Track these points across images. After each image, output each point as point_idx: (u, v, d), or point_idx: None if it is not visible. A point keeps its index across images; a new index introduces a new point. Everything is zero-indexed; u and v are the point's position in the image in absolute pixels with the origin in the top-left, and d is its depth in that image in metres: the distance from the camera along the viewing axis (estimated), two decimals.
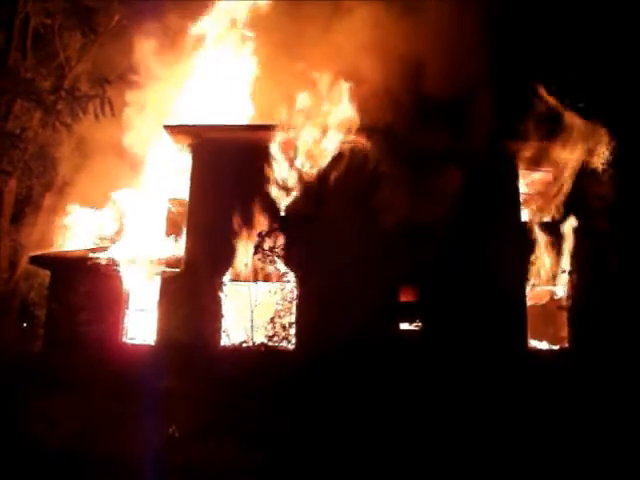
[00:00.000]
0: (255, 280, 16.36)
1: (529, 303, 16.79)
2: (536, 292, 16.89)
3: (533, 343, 16.69)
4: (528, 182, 17.85)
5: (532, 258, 16.54)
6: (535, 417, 13.70)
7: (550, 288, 16.86)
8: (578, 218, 16.57)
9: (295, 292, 16.63)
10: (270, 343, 16.03)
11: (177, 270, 16.83)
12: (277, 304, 16.58)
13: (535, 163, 17.16)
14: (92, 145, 20.70)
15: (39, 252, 19.11)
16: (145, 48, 19.74)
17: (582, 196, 16.65)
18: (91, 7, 20.46)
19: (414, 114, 16.16)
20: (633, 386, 14.69)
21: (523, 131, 16.50)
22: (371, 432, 12.61)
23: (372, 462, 11.51)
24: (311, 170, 17.20)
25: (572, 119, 16.71)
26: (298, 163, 17.15)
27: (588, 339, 16.15)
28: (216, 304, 16.56)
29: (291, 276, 16.66)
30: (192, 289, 16.37)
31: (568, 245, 16.60)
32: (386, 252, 16.21)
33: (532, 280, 16.63)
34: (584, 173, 16.71)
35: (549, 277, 16.62)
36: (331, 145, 16.91)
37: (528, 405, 14.30)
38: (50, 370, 14.43)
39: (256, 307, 16.07)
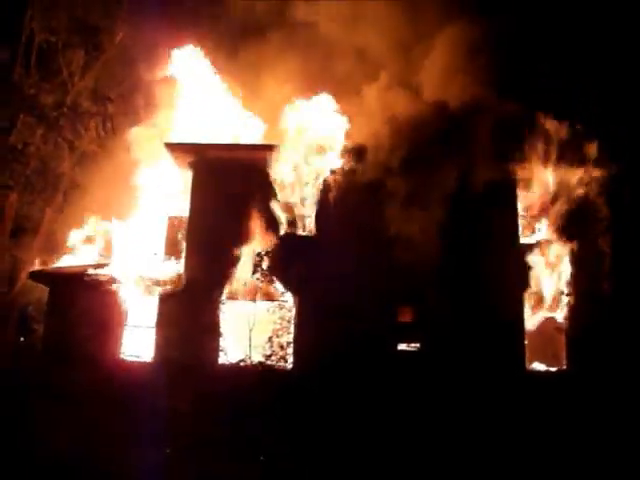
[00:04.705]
0: (254, 299, 16.38)
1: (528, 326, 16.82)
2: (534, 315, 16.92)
3: (532, 365, 16.70)
4: (527, 204, 17.89)
5: (530, 280, 16.59)
6: (533, 438, 13.73)
7: (548, 310, 16.87)
8: (576, 240, 16.63)
9: (293, 311, 16.67)
10: (268, 362, 16.05)
11: (176, 288, 16.84)
12: (275, 323, 16.62)
13: (533, 185, 17.28)
14: (93, 162, 20.80)
15: (38, 267, 19.14)
16: (147, 66, 19.86)
17: (580, 218, 16.73)
18: (95, 25, 20.64)
19: (413, 135, 16.26)
20: (631, 407, 14.73)
21: (521, 152, 16.63)
22: (368, 450, 12.65)
23: (370, 478, 11.57)
24: (311, 190, 17.31)
25: (570, 141, 16.83)
26: (298, 183, 17.25)
27: (586, 361, 16.15)
28: (214, 322, 16.55)
29: (289, 295, 16.70)
30: (191, 307, 16.37)
31: (566, 267, 16.67)
32: (384, 273, 16.26)
33: (530, 302, 16.66)
34: (582, 195, 16.82)
35: (547, 299, 16.65)
36: (331, 166, 17.03)
37: (526, 426, 14.33)
38: (48, 385, 14.44)
39: (254, 326, 16.08)
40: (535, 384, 16.11)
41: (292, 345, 16.40)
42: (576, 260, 16.61)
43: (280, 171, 17.10)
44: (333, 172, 17.07)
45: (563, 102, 17.71)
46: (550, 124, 16.92)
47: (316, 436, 13.19)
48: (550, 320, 16.93)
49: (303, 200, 17.39)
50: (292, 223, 17.37)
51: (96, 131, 19.18)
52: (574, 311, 16.56)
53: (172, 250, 18.37)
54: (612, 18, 20.62)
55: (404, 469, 12.02)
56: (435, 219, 15.77)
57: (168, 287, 16.84)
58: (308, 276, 16.23)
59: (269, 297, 16.61)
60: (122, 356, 17.04)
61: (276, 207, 17.14)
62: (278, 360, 16.14)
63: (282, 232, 17.23)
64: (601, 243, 16.20)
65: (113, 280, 16.92)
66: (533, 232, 17.72)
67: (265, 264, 16.24)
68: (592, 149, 16.62)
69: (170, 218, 19.05)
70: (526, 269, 16.56)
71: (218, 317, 16.67)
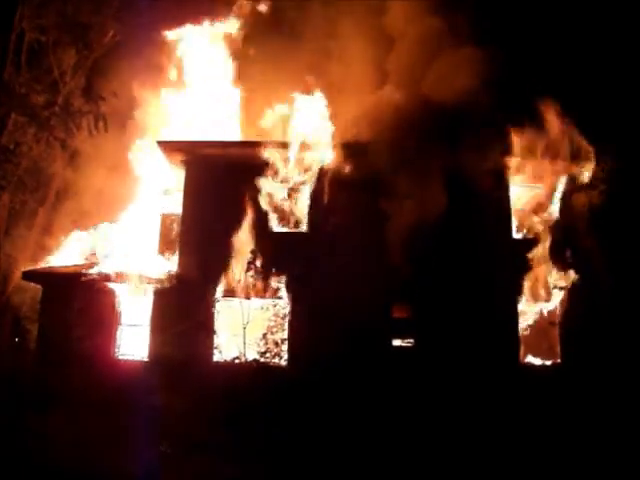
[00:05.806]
0: (248, 296, 16.37)
1: (522, 320, 16.85)
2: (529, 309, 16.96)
3: (527, 359, 16.75)
4: (520, 199, 17.91)
5: (524, 274, 16.62)
6: (527, 431, 13.78)
7: (542, 304, 16.90)
8: (570, 235, 16.67)
9: (288, 308, 16.68)
10: (262, 359, 16.07)
11: (170, 286, 16.82)
12: (269, 320, 16.64)
13: (527, 180, 17.31)
14: (85, 161, 20.74)
15: (32, 267, 19.08)
16: (138, 64, 19.79)
17: (574, 213, 16.77)
18: (85, 23, 20.51)
19: (406, 130, 16.25)
20: (624, 401, 14.79)
21: (515, 147, 16.64)
22: (364, 445, 12.67)
23: (365, 475, 11.57)
24: (304, 187, 17.31)
25: (564, 136, 16.85)
26: (291, 179, 17.24)
27: (581, 355, 16.22)
28: (209, 320, 16.57)
29: (284, 292, 16.71)
30: (185, 305, 16.37)
31: (560, 261, 16.70)
32: (379, 269, 16.27)
33: (524, 296, 16.69)
34: (576, 190, 16.86)
35: (541, 293, 16.69)
36: (324, 162, 17.00)
37: (520, 420, 14.38)
38: (43, 386, 14.42)
39: (248, 323, 16.08)
40: (530, 378, 16.18)
41: (286, 342, 16.42)
42: (570, 254, 16.65)
43: (273, 168, 17.07)
44: (326, 168, 17.06)
45: (557, 95, 17.68)
46: (544, 118, 16.96)
47: (312, 432, 13.20)
48: (544, 314, 16.99)
49: (296, 197, 17.39)
50: (286, 220, 17.37)
51: (88, 130, 19.01)
52: (568, 305, 16.62)
53: (166, 248, 18.38)
54: (608, 11, 20.65)
55: (400, 464, 12.04)
56: (429, 214, 15.78)
57: (162, 285, 16.81)
58: (302, 273, 16.25)
59: (263, 294, 16.61)
60: (117, 355, 17.03)
61: (269, 204, 17.14)
62: (273, 357, 16.17)
63: (276, 229, 17.24)
64: (596, 237, 16.24)
65: (107, 279, 16.90)
66: (527, 227, 17.75)
67: (259, 261, 16.23)
68: (587, 144, 16.69)
69: (163, 216, 19.05)
70: (520, 264, 16.60)
71: (212, 315, 16.68)
